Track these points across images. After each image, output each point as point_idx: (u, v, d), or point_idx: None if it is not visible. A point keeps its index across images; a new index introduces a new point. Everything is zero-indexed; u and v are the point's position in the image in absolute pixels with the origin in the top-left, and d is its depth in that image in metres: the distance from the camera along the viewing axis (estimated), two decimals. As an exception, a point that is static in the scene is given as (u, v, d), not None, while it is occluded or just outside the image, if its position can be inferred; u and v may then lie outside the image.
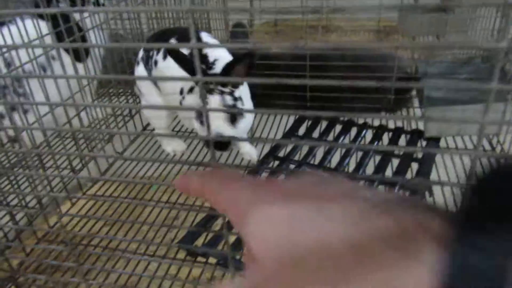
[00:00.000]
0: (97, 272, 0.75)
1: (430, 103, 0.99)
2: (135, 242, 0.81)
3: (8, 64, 0.91)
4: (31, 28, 0.84)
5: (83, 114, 0.96)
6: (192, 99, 0.84)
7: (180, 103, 0.85)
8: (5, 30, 0.82)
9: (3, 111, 0.93)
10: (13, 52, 0.86)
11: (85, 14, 0.95)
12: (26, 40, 0.84)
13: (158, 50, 0.88)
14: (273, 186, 0.23)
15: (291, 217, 0.20)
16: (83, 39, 0.94)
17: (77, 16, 0.93)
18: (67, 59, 0.91)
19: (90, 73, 0.96)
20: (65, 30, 0.83)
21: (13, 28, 0.83)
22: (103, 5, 1.06)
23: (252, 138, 0.36)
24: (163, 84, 0.90)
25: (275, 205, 0.21)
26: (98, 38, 1.03)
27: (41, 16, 0.91)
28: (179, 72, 0.75)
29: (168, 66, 0.86)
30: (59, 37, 0.85)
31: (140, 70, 0.94)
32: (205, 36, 0.91)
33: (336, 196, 0.21)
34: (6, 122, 0.94)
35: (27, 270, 0.73)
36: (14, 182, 0.84)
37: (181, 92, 0.86)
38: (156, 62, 0.89)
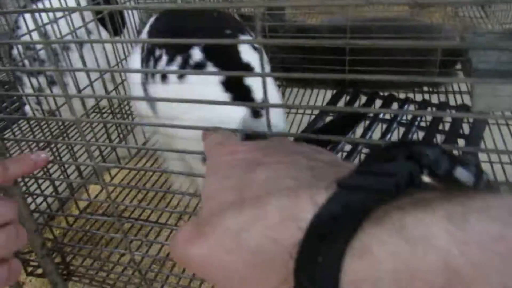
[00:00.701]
0: (139, 243, 0.76)
1: (479, 76, 0.93)
2: (177, 213, 0.81)
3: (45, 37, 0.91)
4: (70, 1, 0.83)
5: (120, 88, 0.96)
6: None
7: None
8: (46, 2, 0.82)
9: (43, 83, 0.95)
10: (50, 26, 0.86)
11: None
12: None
13: (172, 57, 0.60)
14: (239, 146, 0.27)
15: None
16: (121, 13, 0.93)
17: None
18: (104, 32, 0.91)
19: (126, 47, 0.95)
20: (103, 3, 0.83)
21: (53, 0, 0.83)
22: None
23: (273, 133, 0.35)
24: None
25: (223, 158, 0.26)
26: (131, 12, 1.02)
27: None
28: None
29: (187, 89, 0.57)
30: (96, 11, 0.85)
31: (135, 63, 0.68)
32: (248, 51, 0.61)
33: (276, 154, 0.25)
34: (42, 99, 0.95)
35: (71, 240, 0.75)
36: (56, 153, 0.85)
37: None
38: (164, 78, 0.60)
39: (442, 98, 1.08)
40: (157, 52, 0.62)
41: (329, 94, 1.15)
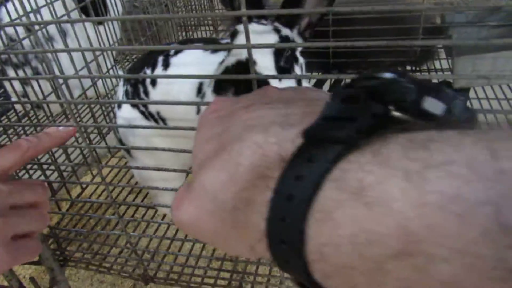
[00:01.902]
0: (136, 224, 0.77)
1: (459, 53, 0.96)
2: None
3: (27, 29, 0.91)
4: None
5: (99, 83, 0.96)
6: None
7: (199, 111, 0.59)
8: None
9: (29, 75, 0.94)
10: (33, 16, 0.86)
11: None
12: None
13: (154, 66, 0.64)
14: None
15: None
16: (103, 1, 0.93)
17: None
18: (87, 23, 0.90)
19: (110, 35, 0.95)
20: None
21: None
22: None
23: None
24: (170, 109, 0.62)
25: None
26: (114, 2, 1.01)
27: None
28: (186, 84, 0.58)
29: (172, 82, 0.62)
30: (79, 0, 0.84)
31: (125, 113, 0.67)
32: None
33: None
34: (29, 89, 0.95)
35: (66, 227, 0.76)
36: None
37: (199, 91, 0.60)
38: (153, 83, 0.64)
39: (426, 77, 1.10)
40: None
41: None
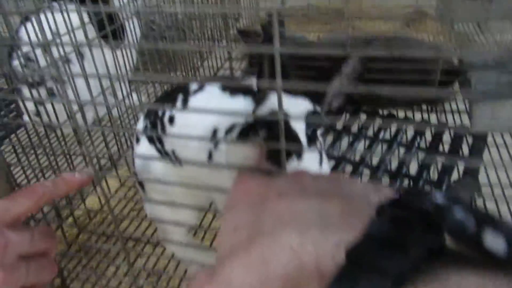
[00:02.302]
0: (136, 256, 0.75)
1: (478, 98, 0.94)
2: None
3: (45, 50, 0.90)
4: (73, 14, 0.83)
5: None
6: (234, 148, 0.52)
7: (210, 155, 0.56)
8: (49, 15, 0.81)
9: (43, 95, 0.94)
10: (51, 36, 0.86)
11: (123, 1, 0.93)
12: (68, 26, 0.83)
13: (173, 103, 0.62)
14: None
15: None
16: (122, 26, 0.93)
17: (116, 2, 0.92)
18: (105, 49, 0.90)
19: (127, 59, 0.95)
20: (103, 17, 0.82)
21: (56, 15, 0.83)
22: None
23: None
24: (184, 149, 0.59)
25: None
26: (133, 26, 1.01)
27: (82, 1, 0.90)
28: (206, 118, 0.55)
29: (187, 123, 0.58)
30: (98, 25, 0.84)
31: (143, 149, 0.64)
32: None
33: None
34: (41, 109, 0.95)
35: (73, 259, 0.74)
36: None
37: (214, 136, 0.56)
38: (171, 119, 0.61)
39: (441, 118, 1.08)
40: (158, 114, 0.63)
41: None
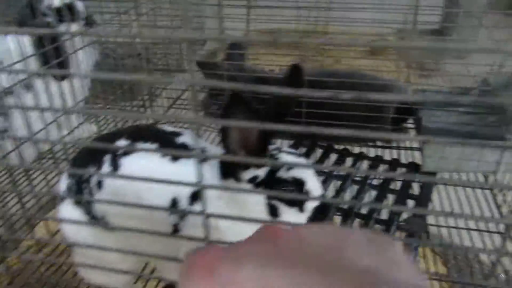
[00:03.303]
0: None
1: (428, 134, 0.96)
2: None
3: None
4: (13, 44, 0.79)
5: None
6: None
7: (176, 229, 0.53)
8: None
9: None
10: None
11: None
12: (9, 56, 0.79)
13: (99, 165, 0.56)
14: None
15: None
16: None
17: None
18: (50, 77, 0.86)
19: (76, 91, 0.91)
20: (50, 48, 0.79)
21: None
22: (95, 22, 1.02)
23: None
24: (125, 215, 0.52)
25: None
26: (86, 56, 0.98)
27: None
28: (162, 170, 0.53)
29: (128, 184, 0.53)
30: (43, 56, 0.81)
31: (66, 211, 0.59)
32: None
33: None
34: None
35: None
36: None
37: (174, 204, 0.53)
38: (99, 184, 0.56)
39: (395, 153, 1.10)
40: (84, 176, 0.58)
41: (285, 144, 1.14)
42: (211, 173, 0.52)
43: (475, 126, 0.98)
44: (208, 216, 0.32)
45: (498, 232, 0.85)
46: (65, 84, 0.89)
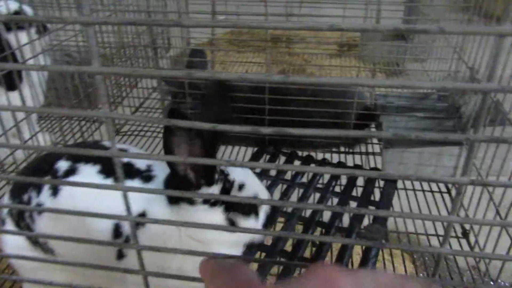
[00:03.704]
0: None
1: (388, 143, 0.98)
2: None
3: None
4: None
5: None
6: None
7: (120, 254, 0.51)
8: None
9: None
10: None
11: (23, 40, 0.86)
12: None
13: (39, 188, 0.54)
14: None
15: None
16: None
17: (13, 41, 0.85)
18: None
19: (28, 102, 0.87)
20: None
21: None
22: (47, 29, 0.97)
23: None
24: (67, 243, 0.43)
25: None
26: (40, 63, 0.94)
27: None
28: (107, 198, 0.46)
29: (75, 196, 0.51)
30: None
31: (9, 240, 0.56)
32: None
33: None
34: None
35: None
36: None
37: (117, 228, 0.51)
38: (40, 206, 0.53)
39: (357, 159, 1.11)
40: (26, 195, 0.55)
41: (249, 152, 1.14)
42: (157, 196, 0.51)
43: (433, 131, 1.00)
44: (140, 249, 0.30)
45: (457, 237, 0.87)
46: (14, 95, 0.85)
